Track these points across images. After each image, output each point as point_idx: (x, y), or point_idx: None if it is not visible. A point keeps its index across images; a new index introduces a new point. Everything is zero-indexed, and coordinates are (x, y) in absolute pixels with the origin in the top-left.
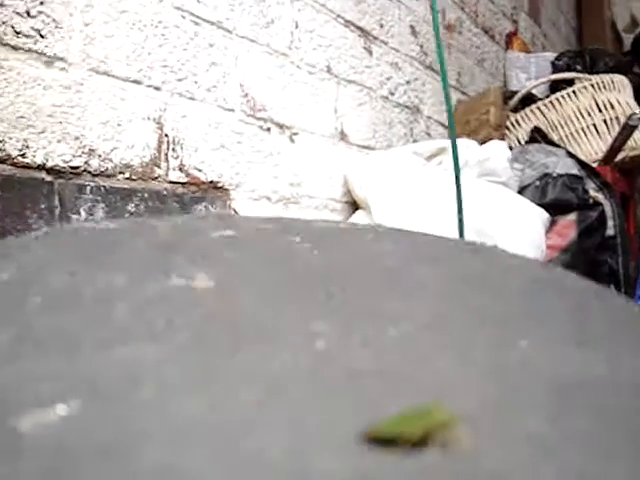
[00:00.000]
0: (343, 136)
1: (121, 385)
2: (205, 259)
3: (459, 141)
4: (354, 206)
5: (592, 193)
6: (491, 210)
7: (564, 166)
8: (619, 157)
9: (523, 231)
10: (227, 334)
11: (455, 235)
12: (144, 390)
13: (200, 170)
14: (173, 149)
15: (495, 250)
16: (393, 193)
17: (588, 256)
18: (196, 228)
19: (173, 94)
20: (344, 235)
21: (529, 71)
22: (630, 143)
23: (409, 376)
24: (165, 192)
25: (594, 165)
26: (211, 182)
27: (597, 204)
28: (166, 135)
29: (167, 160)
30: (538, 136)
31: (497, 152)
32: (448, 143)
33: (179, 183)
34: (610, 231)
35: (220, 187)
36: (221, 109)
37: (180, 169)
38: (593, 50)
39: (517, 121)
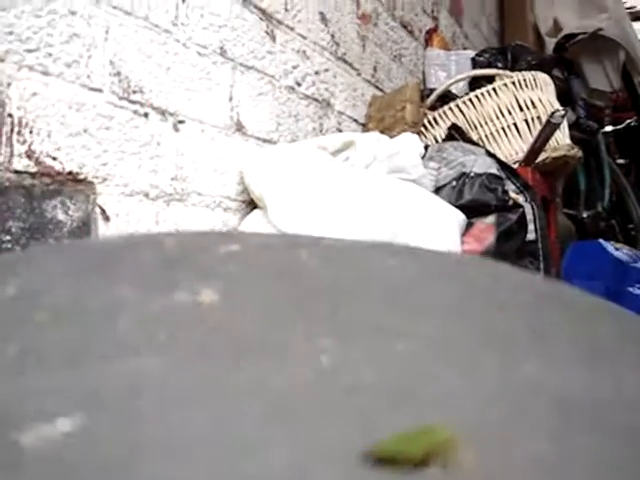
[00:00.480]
0: (240, 127)
1: (124, 400)
2: (210, 274)
3: (369, 135)
4: (252, 205)
5: (512, 195)
6: (403, 210)
7: (483, 165)
8: (540, 158)
9: (437, 234)
10: (231, 349)
11: (363, 237)
12: (147, 405)
13: (55, 158)
14: (19, 132)
15: (501, 266)
16: (293, 191)
17: (507, 261)
18: (202, 243)
19: (21, 67)
20: (351, 251)
21: (449, 69)
22: (552, 144)
23: (413, 394)
24: (7, 183)
25: (514, 166)
26: (69, 173)
27: (517, 206)
28: (9, 115)
29: (11, 145)
30: (456, 134)
31: (408, 146)
32: (357, 137)
33: (27, 173)
34: (531, 235)
35: (82, 180)
36: (85, 88)
37: (28, 156)
38: (515, 47)
39: (435, 119)
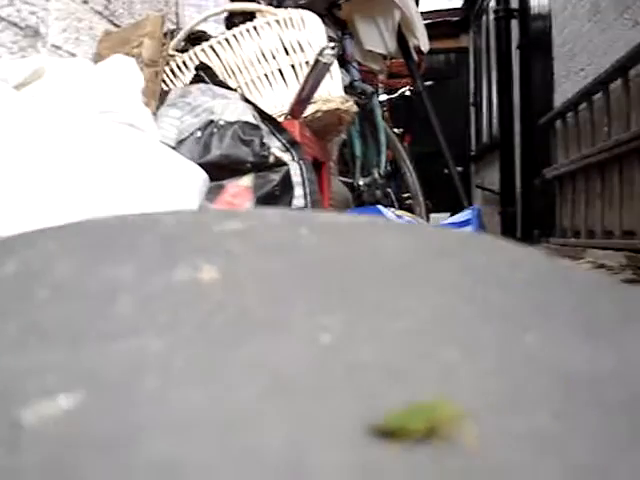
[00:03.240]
0: None
1: (125, 377)
2: (211, 252)
3: (69, 60)
4: None
5: (276, 152)
6: (117, 170)
7: (235, 111)
8: (310, 111)
9: (168, 200)
10: (232, 327)
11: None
12: (147, 382)
13: None
14: None
15: (499, 242)
16: None
17: None
18: (201, 221)
19: None
20: (351, 228)
21: (207, 10)
22: (323, 95)
23: (414, 370)
24: None
25: (280, 119)
26: None
27: (280, 165)
28: None
29: None
30: (205, 75)
31: (123, 75)
32: (50, 62)
33: None
34: (298, 201)
35: None
36: None
37: None
38: None
39: (185, 63)
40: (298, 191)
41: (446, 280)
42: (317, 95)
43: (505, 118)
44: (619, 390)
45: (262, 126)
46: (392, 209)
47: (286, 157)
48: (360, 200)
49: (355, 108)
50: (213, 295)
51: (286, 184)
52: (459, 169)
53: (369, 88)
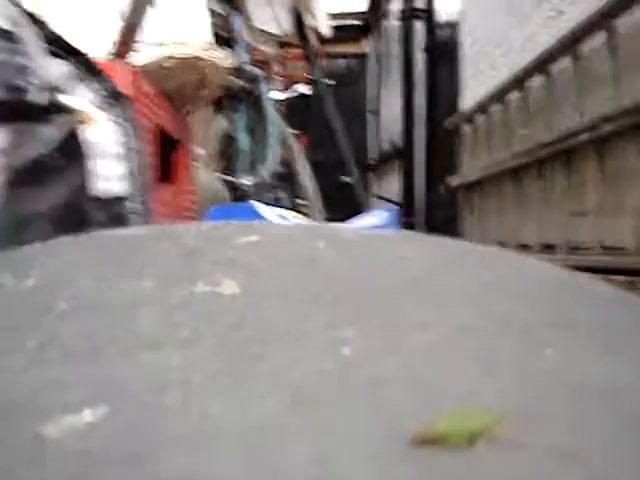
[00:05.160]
0: None
1: (147, 391)
2: (231, 265)
3: None
4: None
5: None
6: None
7: None
8: (158, 56)
9: None
10: (253, 340)
11: None
12: (170, 396)
13: None
14: None
15: (518, 256)
16: None
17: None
18: (221, 234)
19: None
20: (369, 242)
21: None
22: (178, 36)
23: (435, 383)
24: None
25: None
26: None
27: (61, 111)
28: None
29: None
30: None
31: None
32: None
33: None
34: (110, 184)
35: None
36: None
37: None
38: None
39: None
40: (112, 167)
41: (466, 294)
42: (168, 37)
43: (408, 124)
44: (638, 403)
45: (28, 37)
46: (276, 208)
47: (100, 114)
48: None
49: (228, 62)
50: (234, 309)
51: (73, 150)
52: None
53: (259, 72)
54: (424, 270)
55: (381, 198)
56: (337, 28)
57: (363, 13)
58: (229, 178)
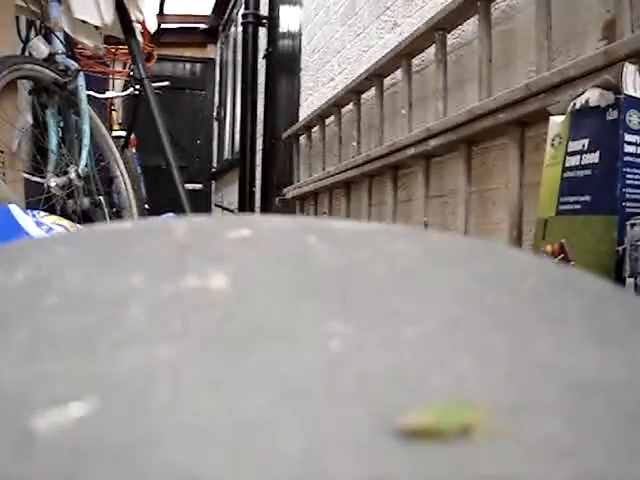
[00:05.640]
0: None
1: (136, 385)
2: (221, 259)
3: None
4: None
5: None
6: None
7: None
8: None
9: None
10: (242, 334)
11: None
12: (159, 390)
13: None
14: None
15: (509, 250)
16: None
17: None
18: (212, 228)
19: None
20: (360, 235)
21: None
22: None
23: (425, 378)
24: None
25: None
26: None
27: None
28: None
29: None
30: None
31: None
32: None
33: None
34: None
35: None
36: None
37: None
38: None
39: None
40: None
41: (456, 288)
42: None
43: (247, 133)
44: (632, 397)
45: None
46: (41, 212)
47: None
48: (51, 207)
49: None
50: (222, 303)
51: None
52: (198, 186)
53: (74, 64)
54: (415, 265)
55: (219, 207)
56: (182, 30)
57: (208, 17)
58: (35, 179)
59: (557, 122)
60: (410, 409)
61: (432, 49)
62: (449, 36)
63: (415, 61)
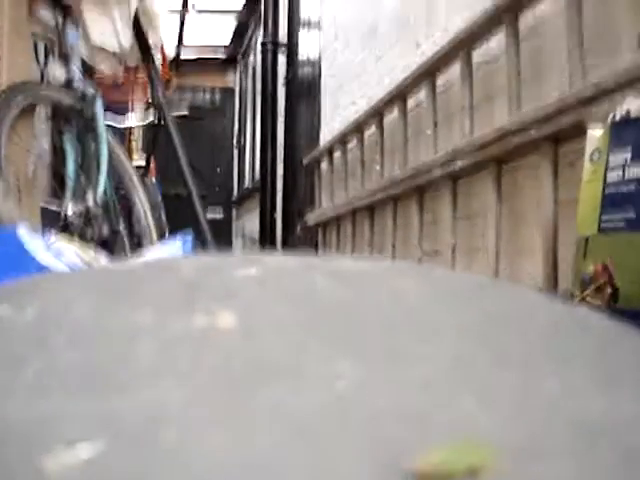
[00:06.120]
0: None
1: (144, 427)
2: (229, 298)
3: None
4: None
5: None
6: None
7: None
8: None
9: None
10: (250, 373)
11: None
12: (167, 432)
13: None
14: None
15: (516, 288)
16: None
17: None
18: (220, 267)
19: None
20: (367, 274)
21: None
22: None
23: (432, 417)
24: None
25: None
26: None
27: None
28: None
29: None
30: None
31: None
32: None
33: None
34: None
35: None
36: None
37: None
38: None
39: None
40: None
41: (463, 326)
42: None
43: (267, 160)
44: (637, 438)
45: None
46: (52, 235)
47: None
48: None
49: None
50: (230, 342)
51: None
52: (219, 215)
53: (91, 90)
54: (420, 302)
55: (241, 236)
56: (201, 60)
57: (227, 47)
58: (50, 207)
59: (595, 135)
60: (418, 450)
61: (456, 67)
62: (474, 53)
63: (439, 82)
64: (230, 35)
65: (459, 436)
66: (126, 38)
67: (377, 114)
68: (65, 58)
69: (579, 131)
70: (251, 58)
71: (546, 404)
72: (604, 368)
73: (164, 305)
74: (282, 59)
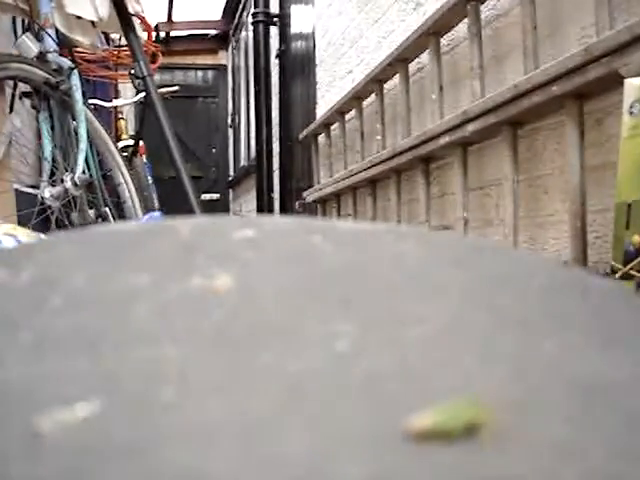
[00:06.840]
0: None
1: (143, 385)
2: (226, 260)
3: None
4: None
5: None
6: None
7: None
8: None
9: None
10: (247, 335)
11: None
12: (166, 390)
13: None
14: None
15: (515, 251)
16: None
17: None
18: (217, 229)
19: None
20: (365, 236)
21: None
22: None
23: (431, 377)
24: None
25: None
26: None
27: None
28: None
29: None
30: None
31: None
32: None
33: None
34: None
35: None
36: None
37: None
38: None
39: None
40: None
41: (463, 288)
42: None
43: (262, 137)
44: (636, 398)
45: None
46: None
47: None
48: (46, 221)
49: None
50: (228, 303)
51: None
52: (215, 196)
53: (67, 63)
54: (422, 265)
55: (238, 215)
56: (192, 38)
57: (218, 22)
58: (25, 189)
59: (635, 85)
60: (416, 409)
61: (463, 25)
62: (482, 7)
63: (443, 41)
64: (221, 9)
65: (458, 395)
66: (103, 6)
67: (376, 81)
68: (38, 30)
69: (609, 84)
70: (243, 33)
71: (545, 364)
72: (603, 329)
73: (161, 267)
74: (274, 31)
